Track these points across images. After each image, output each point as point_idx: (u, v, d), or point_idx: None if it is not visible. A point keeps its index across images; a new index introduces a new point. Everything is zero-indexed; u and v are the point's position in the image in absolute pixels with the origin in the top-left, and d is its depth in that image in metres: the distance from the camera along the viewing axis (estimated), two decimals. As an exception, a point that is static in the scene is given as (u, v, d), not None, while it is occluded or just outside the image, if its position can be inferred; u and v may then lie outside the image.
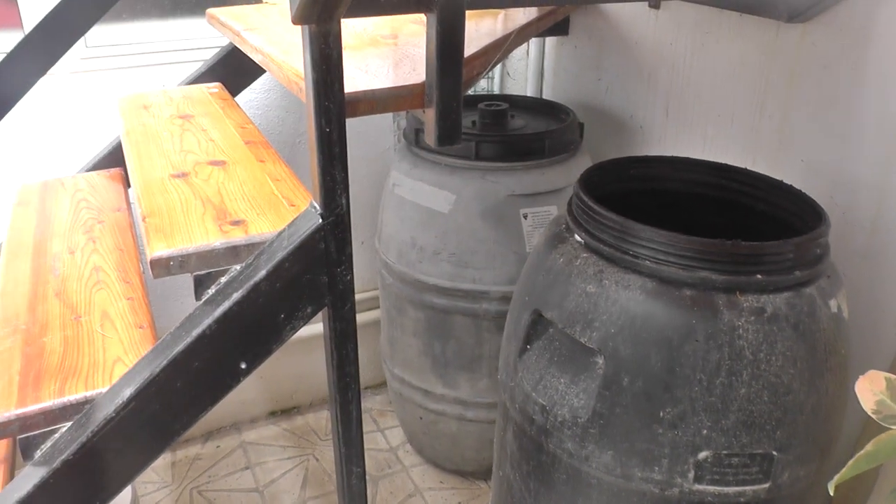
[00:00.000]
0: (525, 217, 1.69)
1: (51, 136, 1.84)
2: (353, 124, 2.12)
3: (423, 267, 1.74)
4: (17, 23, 1.79)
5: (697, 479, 1.06)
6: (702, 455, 1.04)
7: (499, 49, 1.24)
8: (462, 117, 1.05)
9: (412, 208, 1.75)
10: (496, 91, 2.35)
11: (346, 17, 0.95)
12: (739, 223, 1.34)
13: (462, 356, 1.79)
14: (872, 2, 1.31)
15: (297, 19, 0.91)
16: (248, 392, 2.24)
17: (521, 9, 1.64)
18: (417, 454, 2.11)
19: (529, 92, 2.25)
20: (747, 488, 1.07)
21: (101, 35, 1.90)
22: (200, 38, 1.98)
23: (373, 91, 1.04)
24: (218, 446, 2.16)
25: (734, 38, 1.58)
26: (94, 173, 1.73)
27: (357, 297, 2.29)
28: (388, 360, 1.99)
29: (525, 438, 1.21)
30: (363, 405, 2.30)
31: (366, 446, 2.13)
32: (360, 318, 2.29)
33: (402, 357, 1.91)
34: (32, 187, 1.66)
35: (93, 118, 1.86)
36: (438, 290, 1.74)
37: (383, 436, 2.20)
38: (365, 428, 2.17)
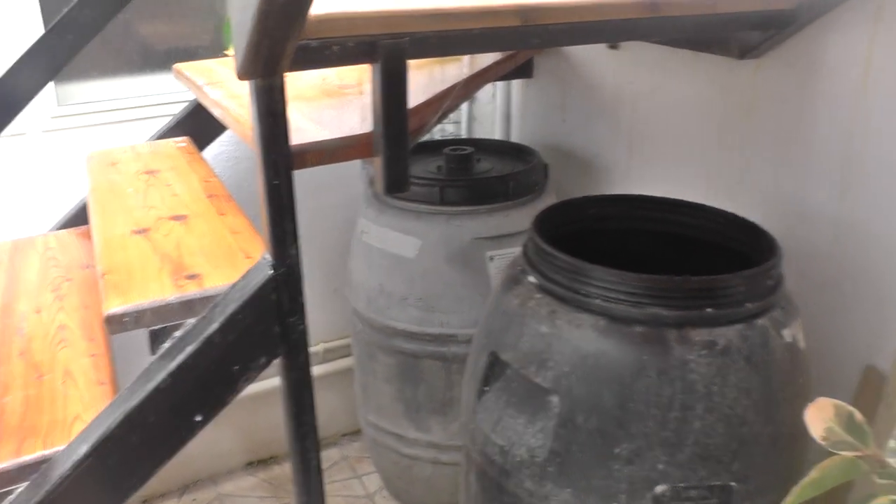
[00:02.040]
0: (491, 259, 1.70)
1: (23, 195, 1.85)
2: (324, 173, 2.14)
3: (392, 313, 1.75)
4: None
5: (657, 514, 1.06)
6: (659, 489, 1.05)
7: (449, 96, 1.27)
8: (409, 165, 1.07)
9: (379, 255, 1.76)
10: (463, 135, 2.38)
11: (291, 69, 0.97)
12: (697, 258, 1.35)
13: (433, 400, 1.79)
14: (819, 37, 1.34)
15: (242, 74, 0.93)
16: (224, 444, 2.22)
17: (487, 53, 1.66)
18: (394, 499, 2.10)
19: (497, 135, 2.28)
20: (708, 520, 1.07)
21: (72, 93, 1.93)
22: (171, 93, 2.00)
23: (320, 142, 1.06)
24: (194, 500, 2.14)
25: (691, 76, 1.61)
26: (64, 231, 1.74)
27: (332, 344, 2.32)
28: (362, 406, 1.99)
29: (486, 480, 1.22)
30: (341, 452, 2.30)
31: (343, 493, 2.14)
32: (336, 365, 2.30)
33: (375, 403, 1.91)
34: (2, 247, 1.66)
35: (65, 176, 1.87)
36: (407, 335, 1.75)
37: (360, 482, 2.19)
38: (342, 475, 2.21)
